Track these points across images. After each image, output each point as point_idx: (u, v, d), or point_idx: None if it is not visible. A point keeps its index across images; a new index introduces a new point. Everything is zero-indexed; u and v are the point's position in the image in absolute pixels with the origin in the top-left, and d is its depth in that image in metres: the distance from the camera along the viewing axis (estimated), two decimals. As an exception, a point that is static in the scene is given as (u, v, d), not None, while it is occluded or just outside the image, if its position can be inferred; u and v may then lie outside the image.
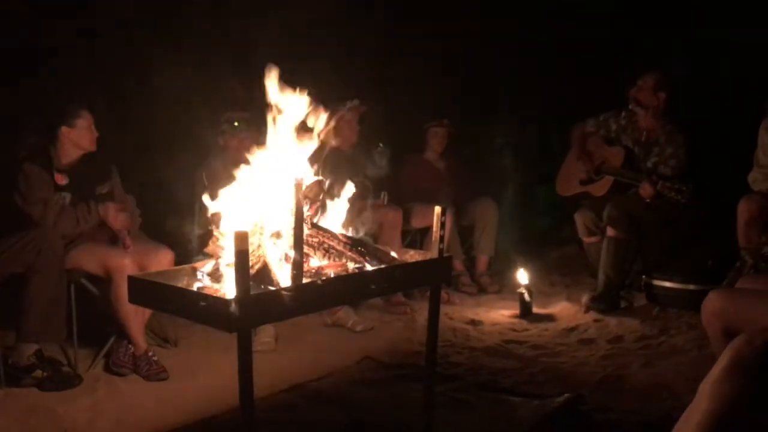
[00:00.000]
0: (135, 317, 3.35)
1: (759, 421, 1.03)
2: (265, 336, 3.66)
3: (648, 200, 4.25)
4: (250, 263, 1.85)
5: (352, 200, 2.48)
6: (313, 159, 2.38)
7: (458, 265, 5.07)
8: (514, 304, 4.41)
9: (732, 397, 1.05)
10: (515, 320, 4.26)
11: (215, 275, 2.13)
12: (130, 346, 3.40)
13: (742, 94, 4.43)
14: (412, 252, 2.55)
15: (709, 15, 5.18)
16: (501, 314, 4.39)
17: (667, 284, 4.33)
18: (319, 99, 2.36)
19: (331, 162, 3.73)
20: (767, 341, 1.07)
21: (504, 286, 4.97)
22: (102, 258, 3.38)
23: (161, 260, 3.43)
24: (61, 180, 3.54)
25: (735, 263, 3.46)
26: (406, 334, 3.97)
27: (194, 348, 3.66)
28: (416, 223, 4.88)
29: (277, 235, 2.12)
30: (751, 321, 2.05)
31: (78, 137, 3.55)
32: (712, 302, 2.23)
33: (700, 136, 4.62)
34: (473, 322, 4.20)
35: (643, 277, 4.48)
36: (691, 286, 4.18)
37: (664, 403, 2.84)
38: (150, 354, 3.36)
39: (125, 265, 3.28)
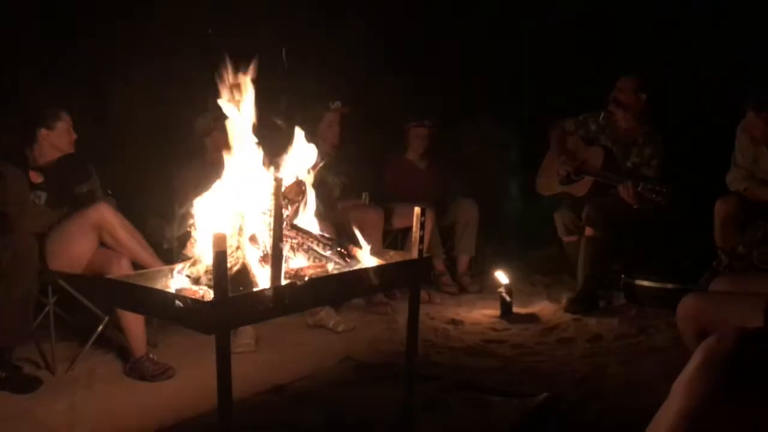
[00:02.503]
0: (136, 318, 3.31)
1: (730, 419, 1.04)
2: (245, 337, 3.65)
3: (630, 202, 4.27)
4: (229, 265, 1.85)
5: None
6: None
7: (439, 265, 5.08)
8: (495, 303, 4.43)
9: (703, 395, 1.06)
10: (496, 320, 4.28)
11: (194, 277, 2.12)
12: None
13: (721, 96, 4.48)
14: (391, 252, 2.55)
15: (688, 17, 5.24)
16: (482, 314, 4.41)
17: (646, 283, 4.38)
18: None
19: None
20: (737, 340, 1.09)
21: (485, 286, 4.99)
22: (94, 262, 3.36)
23: (122, 266, 3.38)
24: (36, 178, 3.52)
25: (712, 262, 3.52)
26: (387, 334, 3.98)
27: (173, 349, 3.64)
28: (397, 223, 4.88)
29: (256, 236, 2.11)
30: (725, 319, 2.07)
31: (57, 140, 3.54)
32: (686, 306, 2.26)
33: (680, 137, 4.67)
34: (454, 322, 4.21)
35: (622, 276, 4.53)
36: (669, 286, 4.23)
37: (642, 402, 2.84)
38: (150, 355, 3.34)
39: (123, 267, 3.27)
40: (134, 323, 3.30)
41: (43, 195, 3.52)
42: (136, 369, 3.28)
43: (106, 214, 3.39)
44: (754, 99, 3.75)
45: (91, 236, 3.39)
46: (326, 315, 4.05)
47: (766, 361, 1.10)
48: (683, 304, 2.28)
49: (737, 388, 1.06)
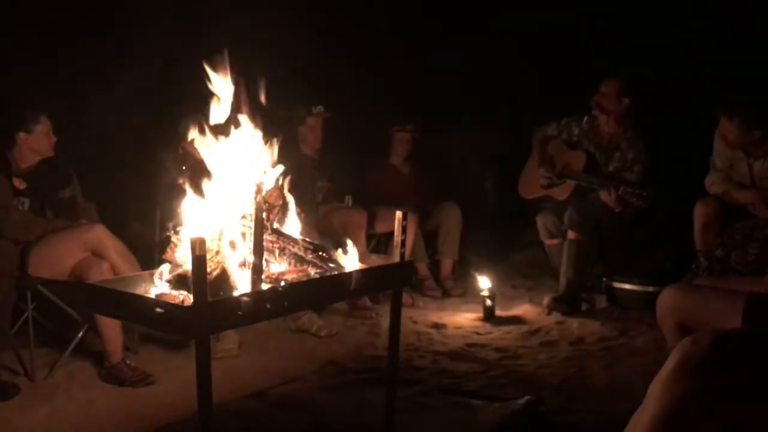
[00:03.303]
0: (113, 323, 3.27)
1: (705, 421, 1.05)
2: (227, 342, 3.63)
3: (612, 206, 4.30)
4: (209, 269, 1.84)
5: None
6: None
7: (423, 269, 5.09)
8: (478, 307, 4.43)
9: (679, 397, 1.07)
10: (479, 323, 4.28)
11: (174, 281, 2.11)
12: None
13: (700, 100, 4.53)
14: (374, 257, 2.56)
15: (666, 21, 5.29)
16: (465, 317, 4.41)
17: (627, 286, 4.40)
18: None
19: (296, 166, 3.74)
20: (713, 342, 1.10)
21: (468, 290, 5.00)
22: (75, 268, 3.31)
23: (103, 270, 3.35)
24: (20, 184, 3.50)
25: (691, 265, 3.55)
26: (370, 338, 3.97)
27: (155, 355, 3.61)
28: (381, 227, 4.89)
29: (235, 242, 2.10)
30: (704, 316, 2.10)
31: (36, 143, 3.51)
32: (667, 298, 2.28)
33: (661, 141, 4.71)
34: (437, 326, 4.21)
35: (604, 279, 4.55)
36: (651, 288, 4.24)
37: (623, 404, 2.87)
38: (128, 360, 3.31)
39: (104, 271, 3.23)
40: (111, 328, 3.26)
41: (26, 201, 3.49)
42: (113, 374, 3.25)
43: (101, 236, 3.34)
44: (725, 104, 3.79)
45: (81, 253, 3.34)
46: (309, 320, 4.04)
47: (741, 362, 1.11)
48: (663, 297, 2.30)
49: (713, 390, 1.07)
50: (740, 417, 1.05)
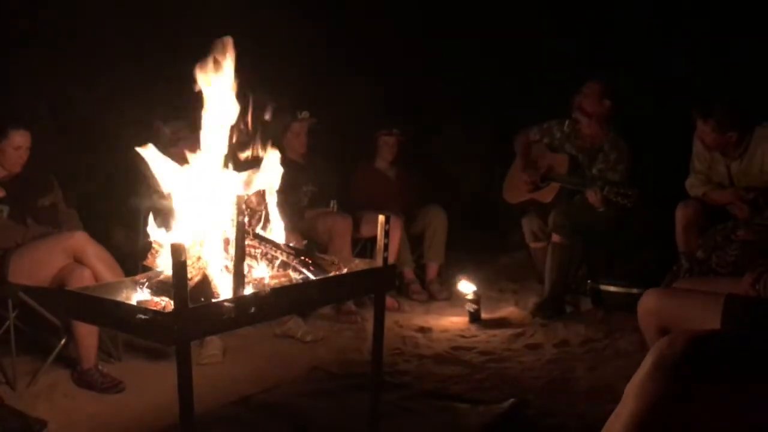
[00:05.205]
0: (89, 329, 3.26)
1: (680, 421, 1.06)
2: (212, 348, 3.60)
3: (597, 206, 4.32)
4: (190, 275, 1.83)
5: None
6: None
7: (408, 272, 5.09)
8: (464, 310, 4.44)
9: (655, 397, 1.08)
10: (464, 327, 4.29)
11: (156, 288, 2.10)
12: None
13: (682, 102, 4.57)
14: (357, 261, 2.56)
15: (648, 22, 5.34)
16: (450, 321, 4.42)
17: (612, 288, 4.42)
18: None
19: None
20: (687, 343, 1.11)
21: (453, 293, 5.00)
22: (56, 275, 3.28)
23: (84, 277, 3.32)
24: None
25: (672, 267, 3.57)
26: (355, 343, 3.97)
27: (139, 362, 3.58)
28: (366, 231, 4.89)
29: (219, 246, 2.10)
30: (685, 319, 2.12)
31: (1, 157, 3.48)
32: (647, 301, 2.30)
33: (643, 143, 4.74)
34: (422, 330, 4.21)
35: (589, 281, 4.57)
36: (635, 290, 4.26)
37: (607, 406, 2.87)
38: (99, 367, 3.30)
39: (85, 278, 3.21)
40: (87, 334, 3.25)
41: (5, 209, 3.46)
42: (84, 379, 3.24)
43: (83, 242, 3.32)
44: (699, 106, 3.81)
45: (62, 260, 3.31)
46: (294, 324, 4.03)
47: (716, 363, 1.12)
48: (644, 301, 2.32)
49: (687, 391, 1.08)
50: (715, 416, 1.06)
